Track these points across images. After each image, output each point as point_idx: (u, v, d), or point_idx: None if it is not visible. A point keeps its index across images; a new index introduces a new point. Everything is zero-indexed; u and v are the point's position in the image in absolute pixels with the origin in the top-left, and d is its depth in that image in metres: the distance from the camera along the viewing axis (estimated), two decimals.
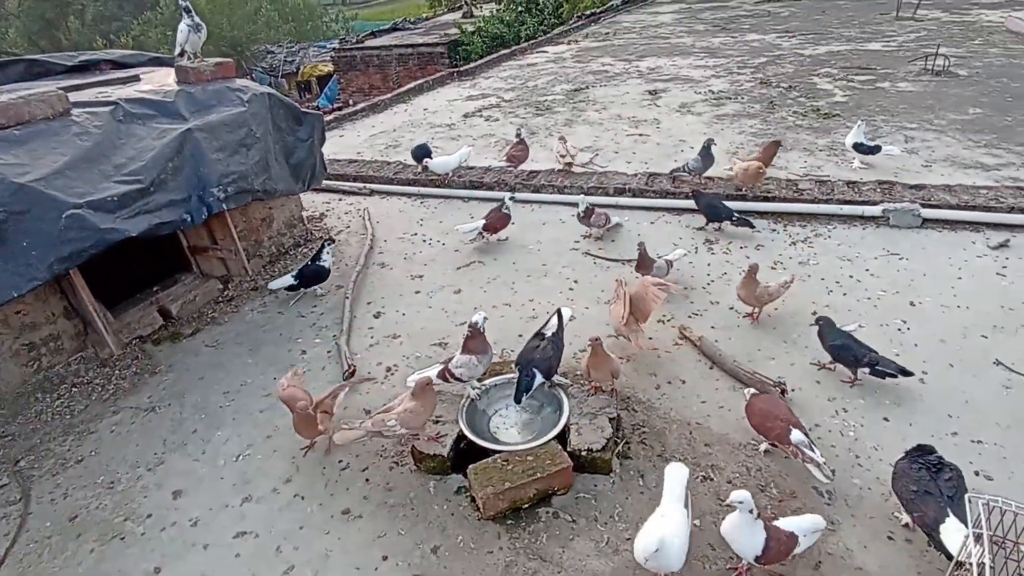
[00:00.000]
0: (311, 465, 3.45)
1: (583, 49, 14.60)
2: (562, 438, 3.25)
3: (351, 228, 6.30)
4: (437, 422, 3.45)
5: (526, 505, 3.02)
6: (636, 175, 6.51)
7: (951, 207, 5.22)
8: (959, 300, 4.24)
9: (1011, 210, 5.08)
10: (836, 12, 16.30)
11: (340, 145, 8.92)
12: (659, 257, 4.62)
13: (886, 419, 3.37)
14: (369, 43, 23.45)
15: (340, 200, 7.02)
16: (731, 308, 4.42)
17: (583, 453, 3.15)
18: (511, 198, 5.67)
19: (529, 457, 3.08)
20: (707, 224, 5.51)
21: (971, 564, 1.88)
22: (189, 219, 4.34)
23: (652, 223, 5.76)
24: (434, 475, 3.27)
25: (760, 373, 3.66)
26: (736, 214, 5.25)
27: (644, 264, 4.57)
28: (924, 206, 5.24)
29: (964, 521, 2.38)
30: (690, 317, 4.37)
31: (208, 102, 4.80)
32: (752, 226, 5.21)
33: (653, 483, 3.12)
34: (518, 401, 3.39)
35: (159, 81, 4.94)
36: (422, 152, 7.09)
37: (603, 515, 2.97)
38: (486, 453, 3.18)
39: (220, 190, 4.47)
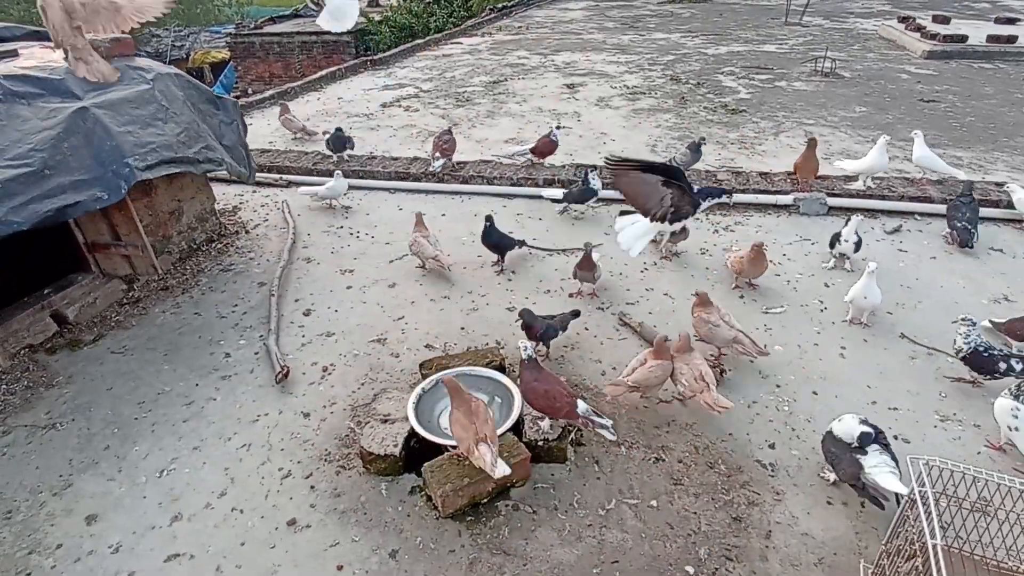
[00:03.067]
0: (248, 475, 3.20)
1: (498, 42, 14.58)
2: (516, 429, 3.21)
3: (269, 222, 5.91)
4: (385, 421, 3.30)
5: (485, 500, 2.96)
6: (564, 166, 6.57)
7: (851, 196, 5.68)
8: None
9: (901, 198, 5.60)
10: (732, 15, 17.33)
11: (249, 135, 8.30)
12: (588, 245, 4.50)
13: (815, 392, 3.60)
14: (269, 29, 22.15)
15: (254, 192, 6.57)
16: (665, 294, 4.57)
17: (539, 443, 3.13)
18: (558, 127, 6.75)
19: None
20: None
21: (914, 519, 2.04)
22: (105, 196, 3.86)
23: (582, 213, 5.84)
24: (385, 476, 3.12)
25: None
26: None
27: (586, 265, 4.43)
28: (829, 195, 5.67)
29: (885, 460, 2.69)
30: (627, 304, 4.46)
31: None
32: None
33: (608, 468, 3.16)
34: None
35: (43, 57, 4.37)
36: (339, 141, 6.76)
37: (563, 503, 2.97)
38: (440, 450, 3.08)
39: (138, 159, 4.03)
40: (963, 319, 3.48)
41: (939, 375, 3.69)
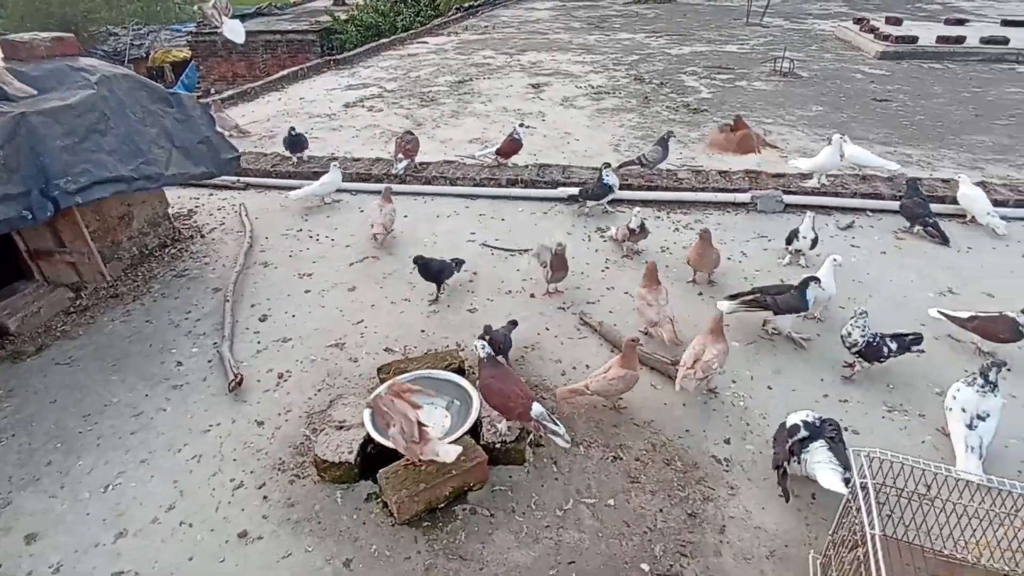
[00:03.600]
0: (198, 487, 3.11)
1: (464, 41, 14.53)
2: (475, 432, 3.19)
3: (225, 225, 5.77)
4: (341, 428, 3.25)
5: (442, 504, 2.93)
6: (528, 166, 6.56)
7: (806, 193, 5.80)
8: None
9: (854, 195, 5.74)
10: (695, 16, 17.57)
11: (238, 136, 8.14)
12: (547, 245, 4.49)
13: (770, 387, 3.66)
14: None
15: (211, 195, 6.41)
16: (626, 293, 4.59)
17: (497, 445, 3.12)
18: (522, 124, 6.57)
19: None
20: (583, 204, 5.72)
21: (857, 509, 2.08)
22: (30, 216, 3.72)
23: (545, 213, 5.85)
24: (340, 484, 3.07)
25: (659, 353, 3.83)
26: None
27: (560, 265, 4.41)
28: (785, 192, 5.78)
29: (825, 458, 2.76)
30: (588, 304, 4.48)
31: (45, 83, 4.17)
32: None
33: (566, 468, 3.16)
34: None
35: None
36: (298, 140, 6.63)
37: (520, 505, 2.96)
38: (396, 455, 3.04)
39: (69, 182, 3.88)
40: (860, 312, 3.55)
41: (886, 367, 3.78)
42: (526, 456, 3.19)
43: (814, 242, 4.71)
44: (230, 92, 9.89)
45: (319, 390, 3.74)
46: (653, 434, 3.36)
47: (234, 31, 7.73)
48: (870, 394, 3.58)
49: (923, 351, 3.63)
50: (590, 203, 5.69)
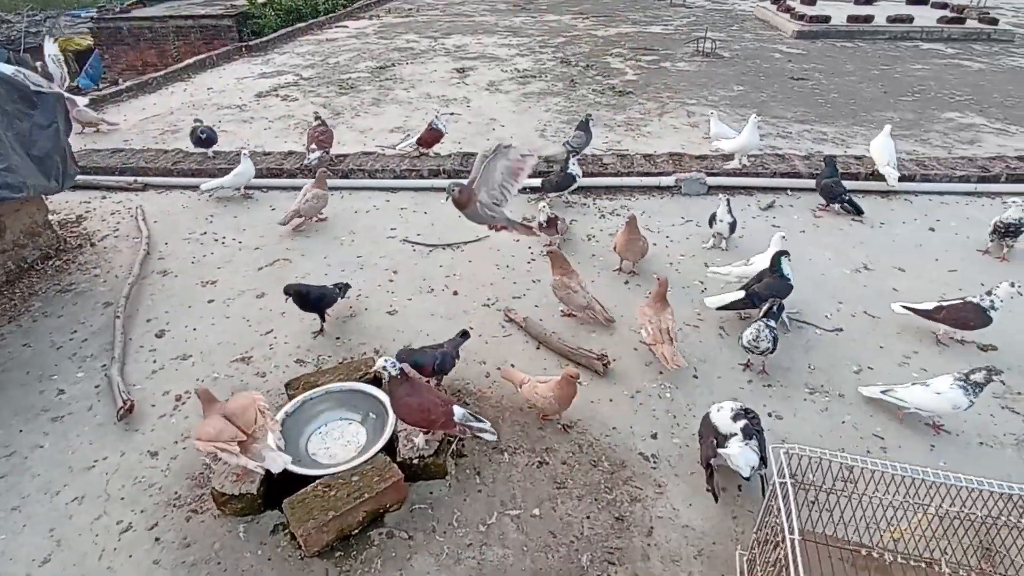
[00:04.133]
0: (79, 534, 2.77)
1: (386, 25, 14.00)
2: (392, 447, 2.98)
3: (120, 231, 5.27)
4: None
5: (356, 531, 2.72)
6: (451, 155, 6.32)
7: (728, 174, 5.82)
8: (741, 257, 4.70)
9: (774, 175, 5.81)
10: None
11: (99, 133, 7.47)
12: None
13: (695, 376, 3.62)
14: (137, 13, 20.15)
15: (104, 198, 5.85)
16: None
17: (415, 461, 2.92)
18: (442, 114, 6.37)
19: (354, 477, 2.76)
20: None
21: (778, 507, 2.02)
22: None
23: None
24: (243, 517, 2.81)
25: (584, 348, 3.72)
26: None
27: (556, 270, 4.06)
28: (708, 175, 5.78)
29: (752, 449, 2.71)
30: (514, 299, 4.32)
31: None
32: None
33: (490, 478, 3.00)
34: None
35: None
36: (206, 135, 6.16)
37: (441, 524, 2.78)
38: (305, 480, 2.80)
39: None
40: (759, 317, 3.49)
41: (808, 348, 3.82)
42: (447, 469, 3.01)
43: (732, 226, 4.70)
44: (127, 84, 9.11)
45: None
46: (580, 434, 3.24)
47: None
48: (791, 376, 3.59)
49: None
50: (551, 194, 5.42)
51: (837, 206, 5.31)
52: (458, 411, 2.93)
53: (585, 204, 5.59)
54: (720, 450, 2.78)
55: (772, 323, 3.46)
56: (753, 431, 2.79)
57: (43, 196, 4.73)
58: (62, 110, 4.55)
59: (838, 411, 3.36)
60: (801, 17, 12.29)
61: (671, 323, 3.60)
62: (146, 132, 7.38)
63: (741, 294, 3.93)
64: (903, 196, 5.61)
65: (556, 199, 5.51)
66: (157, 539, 2.73)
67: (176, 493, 2.95)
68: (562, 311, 4.11)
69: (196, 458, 3.14)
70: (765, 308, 3.54)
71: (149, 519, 2.83)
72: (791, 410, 3.38)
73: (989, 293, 3.63)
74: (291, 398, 3.29)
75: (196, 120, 6.19)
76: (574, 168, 5.32)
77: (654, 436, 3.22)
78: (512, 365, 3.71)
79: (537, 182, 5.47)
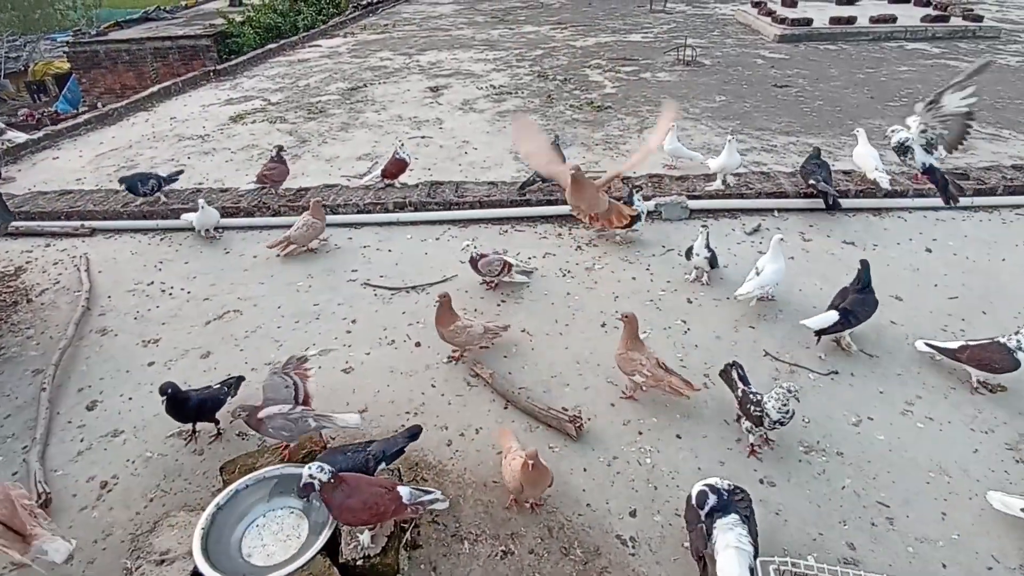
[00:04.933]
0: None
1: (361, 42, 13.68)
2: (333, 546, 2.63)
3: (60, 284, 4.90)
4: (163, 561, 2.61)
5: None
6: (418, 185, 5.98)
7: (711, 196, 5.50)
8: (727, 292, 4.38)
9: (759, 195, 5.49)
10: (601, 4, 17.29)
11: (52, 171, 7.12)
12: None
13: (679, 436, 3.28)
14: (114, 35, 19.84)
15: (48, 247, 5.48)
16: (522, 331, 4.12)
17: (359, 563, 2.56)
18: (402, 144, 5.93)
19: None
20: None
21: None
22: None
23: (437, 239, 5.29)
24: None
25: (554, 408, 3.37)
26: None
27: (444, 319, 3.68)
28: (689, 197, 5.46)
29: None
30: (481, 348, 3.97)
31: None
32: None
33: (448, 575, 2.65)
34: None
35: None
36: (147, 181, 5.68)
37: None
38: None
39: None
40: (789, 389, 2.95)
41: (801, 395, 3.46)
42: (398, 566, 2.65)
43: (711, 260, 4.36)
44: (86, 116, 8.75)
45: (151, 499, 3.07)
46: (549, 514, 2.89)
47: None
48: (784, 432, 3.24)
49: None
50: (620, 232, 5.02)
51: (812, 184, 5.20)
52: (404, 491, 2.61)
53: (560, 235, 5.26)
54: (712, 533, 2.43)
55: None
56: (743, 517, 2.44)
57: None
58: None
59: (837, 473, 3.03)
60: (783, 20, 12.04)
61: (658, 356, 3.38)
62: (101, 169, 7.01)
63: (835, 316, 3.63)
64: (896, 214, 5.30)
65: (627, 235, 5.06)
66: None
67: None
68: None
69: (116, 560, 2.78)
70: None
71: None
72: (785, 474, 3.04)
73: (1017, 332, 3.28)
74: (226, 484, 2.93)
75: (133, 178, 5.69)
76: (640, 204, 4.92)
77: (632, 514, 2.88)
78: (477, 431, 3.36)
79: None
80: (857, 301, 3.68)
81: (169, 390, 3.18)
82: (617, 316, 3.89)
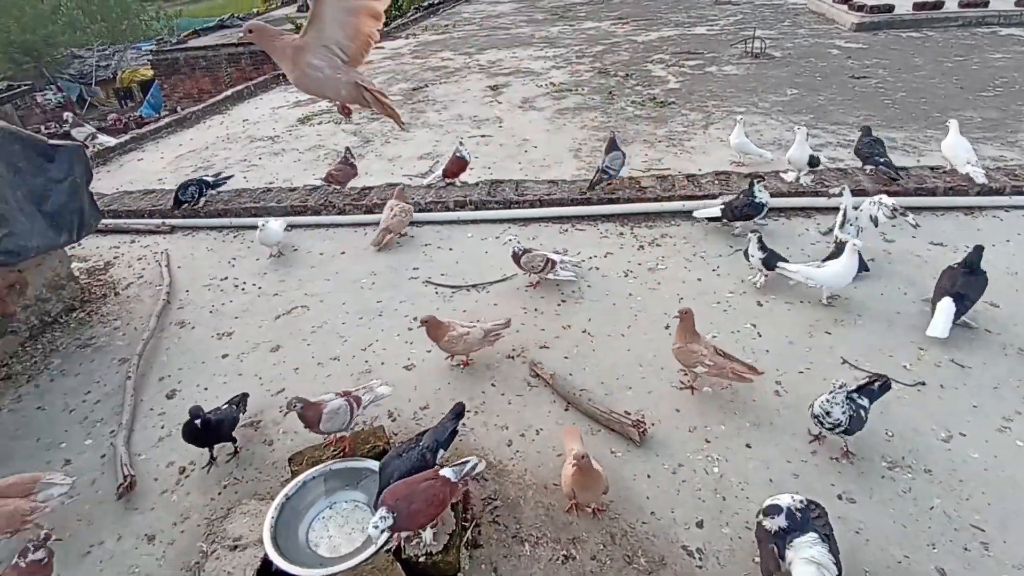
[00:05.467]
0: None
1: (422, 43, 13.89)
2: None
3: (144, 279, 5.19)
4: (236, 547, 2.70)
5: None
6: (478, 183, 5.99)
7: (783, 195, 5.25)
8: (800, 295, 4.18)
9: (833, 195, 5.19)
10: None
11: (137, 172, 7.57)
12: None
13: (748, 445, 3.13)
14: (193, 43, 21.11)
15: (133, 243, 5.83)
16: (584, 332, 4.05)
17: (421, 559, 2.58)
18: (461, 142, 5.92)
19: None
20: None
21: None
22: None
23: (496, 237, 5.28)
24: None
25: (616, 412, 3.29)
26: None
27: (436, 334, 3.63)
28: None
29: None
30: (541, 348, 3.93)
31: None
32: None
33: None
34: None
35: None
36: (187, 189, 5.84)
37: None
38: None
39: None
40: (839, 387, 2.85)
41: (884, 407, 3.26)
42: (459, 565, 2.65)
43: (767, 260, 4.14)
44: (165, 120, 9.25)
45: (225, 486, 3.19)
46: (612, 520, 2.82)
47: None
48: (866, 445, 3.06)
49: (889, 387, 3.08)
50: (737, 225, 4.88)
51: (871, 168, 5.13)
52: (448, 472, 2.65)
53: (622, 234, 5.14)
54: (788, 554, 2.31)
55: (863, 400, 2.90)
56: (823, 536, 2.30)
57: (65, 249, 4.68)
58: (80, 162, 4.48)
59: (925, 492, 2.82)
60: (861, 8, 11.39)
61: (715, 344, 3.36)
62: (180, 170, 7.40)
63: (951, 306, 3.54)
64: (991, 213, 4.90)
65: (743, 229, 4.83)
66: None
67: None
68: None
69: (193, 543, 2.90)
70: (864, 383, 3.02)
71: None
72: (866, 491, 2.85)
73: None
74: (294, 475, 3.02)
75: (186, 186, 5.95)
76: (762, 195, 4.68)
77: (700, 524, 2.77)
78: (537, 432, 3.33)
79: (715, 211, 4.91)
80: (969, 285, 3.59)
81: (196, 414, 3.13)
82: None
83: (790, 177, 5.36)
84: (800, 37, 11.13)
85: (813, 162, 5.25)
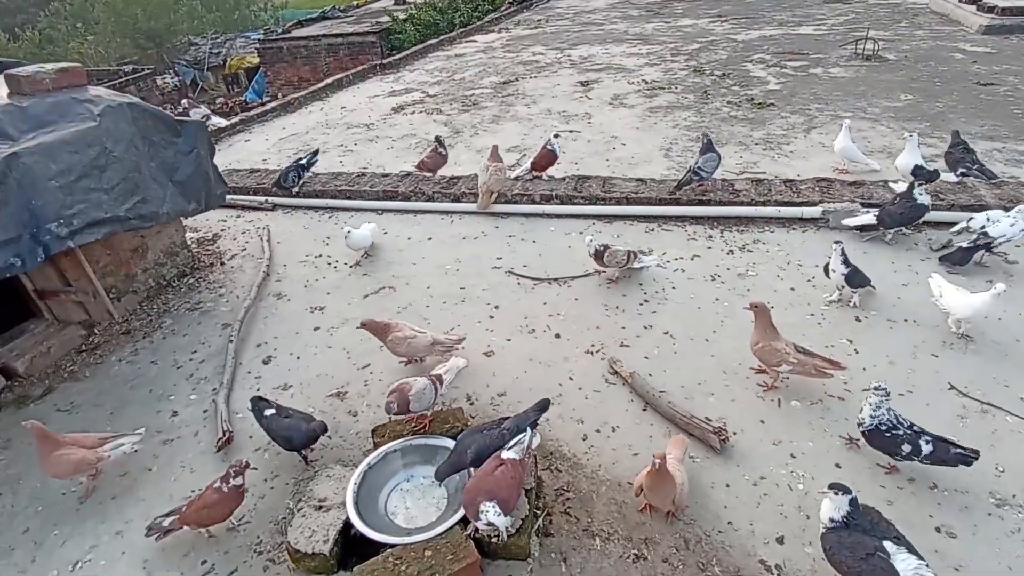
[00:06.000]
0: (167, 570, 2.81)
1: (514, 37, 14.00)
2: (466, 522, 2.72)
3: (247, 251, 5.56)
4: (320, 507, 2.86)
5: None
6: (565, 178, 5.99)
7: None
8: (904, 313, 3.92)
9: (951, 207, 4.80)
10: None
11: (244, 152, 8.09)
12: None
13: (838, 466, 2.98)
14: (296, 33, 22.25)
15: (238, 217, 6.26)
16: (666, 333, 3.98)
17: (494, 539, 2.63)
18: (556, 135, 5.94)
19: (427, 552, 2.53)
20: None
21: None
22: (19, 263, 3.56)
23: (580, 233, 5.26)
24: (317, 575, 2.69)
25: (697, 417, 3.22)
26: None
27: (381, 334, 3.80)
28: (863, 204, 4.93)
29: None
30: (621, 347, 3.90)
31: (47, 117, 4.01)
32: None
33: (577, 568, 2.64)
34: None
35: None
36: (288, 175, 6.15)
37: None
38: (380, 545, 2.62)
39: (61, 225, 3.71)
40: (875, 387, 2.79)
41: (995, 440, 3.01)
42: (530, 550, 2.69)
43: (850, 276, 3.89)
44: (272, 104, 9.84)
45: (311, 450, 3.37)
46: (687, 526, 2.77)
47: None
48: (971, 479, 2.83)
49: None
50: (889, 233, 4.64)
51: (962, 172, 4.98)
52: (510, 454, 2.66)
53: (711, 237, 5.00)
54: None
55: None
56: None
57: (181, 218, 5.08)
58: (203, 137, 4.84)
59: None
60: (991, 9, 10.44)
61: (794, 342, 3.29)
62: (282, 152, 7.85)
63: None
64: None
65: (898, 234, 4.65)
66: None
67: (258, 538, 2.92)
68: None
69: (282, 500, 3.10)
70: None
71: (230, 563, 2.81)
72: (969, 527, 2.65)
73: None
74: (376, 446, 3.16)
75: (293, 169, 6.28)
76: (923, 198, 4.44)
77: (780, 540, 2.67)
78: (613, 429, 3.31)
79: (870, 217, 4.61)
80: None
81: (258, 403, 3.31)
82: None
83: (900, 187, 5.01)
84: (919, 39, 10.35)
85: (918, 172, 4.89)
